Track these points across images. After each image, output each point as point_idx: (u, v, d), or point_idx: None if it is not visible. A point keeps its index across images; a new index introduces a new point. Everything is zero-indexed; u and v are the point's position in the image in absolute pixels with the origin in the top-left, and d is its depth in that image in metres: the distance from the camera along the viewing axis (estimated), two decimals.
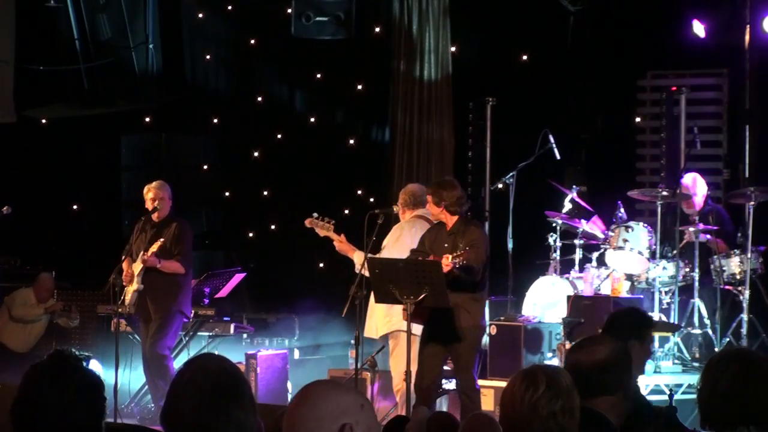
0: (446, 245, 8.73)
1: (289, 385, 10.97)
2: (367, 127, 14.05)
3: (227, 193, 14.44)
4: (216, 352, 8.02)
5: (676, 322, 10.10)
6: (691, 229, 10.35)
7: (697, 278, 10.25)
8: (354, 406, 3.05)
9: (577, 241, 10.87)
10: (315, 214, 9.67)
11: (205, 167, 14.21)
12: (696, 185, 10.83)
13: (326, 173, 13.91)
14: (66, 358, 3.38)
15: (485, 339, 10.81)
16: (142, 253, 10.14)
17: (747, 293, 10.12)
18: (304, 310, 12.63)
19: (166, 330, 10.22)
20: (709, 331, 10.27)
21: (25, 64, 13.64)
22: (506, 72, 12.86)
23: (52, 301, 12.37)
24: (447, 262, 8.31)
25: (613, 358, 4.06)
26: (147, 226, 10.31)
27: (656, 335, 9.92)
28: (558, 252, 10.95)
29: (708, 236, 10.44)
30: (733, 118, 12.30)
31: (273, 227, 14.24)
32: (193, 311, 10.84)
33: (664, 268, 10.35)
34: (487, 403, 10.00)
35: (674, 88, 11.91)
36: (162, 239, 10.10)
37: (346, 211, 13.44)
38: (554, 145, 11.19)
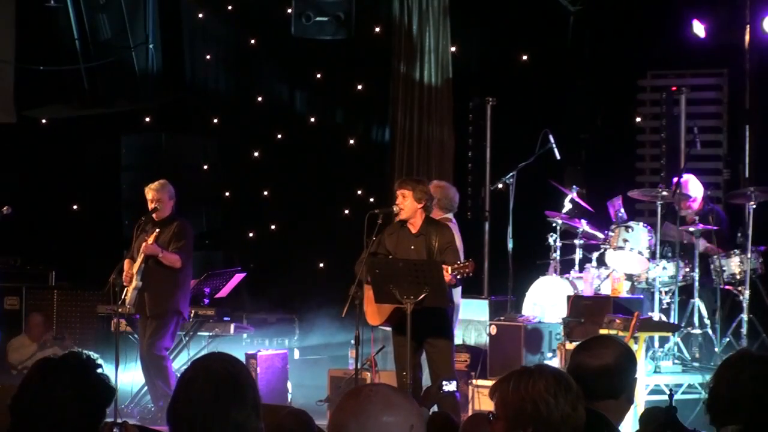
0: (412, 247, 8.70)
1: (289, 385, 10.97)
2: (367, 127, 14.05)
3: (227, 193, 14.43)
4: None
5: (676, 322, 10.09)
6: (691, 229, 10.34)
7: (697, 278, 10.24)
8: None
9: (577, 241, 10.87)
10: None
11: (205, 167, 14.20)
12: (691, 187, 10.79)
13: (326, 173, 13.91)
14: (83, 359, 3.39)
15: (485, 339, 10.84)
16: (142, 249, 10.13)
17: (747, 293, 10.11)
18: (304, 310, 12.64)
19: (163, 331, 10.20)
20: (709, 331, 10.26)
21: (25, 64, 13.63)
22: (506, 72, 12.86)
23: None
24: (446, 275, 8.29)
25: (621, 363, 3.94)
26: (148, 226, 10.29)
27: (656, 335, 9.92)
28: (558, 252, 10.95)
29: (707, 244, 10.44)
30: (733, 118, 12.29)
31: (273, 227, 14.24)
32: (192, 312, 10.83)
33: (664, 268, 10.34)
34: (487, 402, 10.01)
35: (674, 88, 11.90)
36: (158, 230, 10.08)
37: (346, 211, 13.45)
38: (554, 145, 11.19)
